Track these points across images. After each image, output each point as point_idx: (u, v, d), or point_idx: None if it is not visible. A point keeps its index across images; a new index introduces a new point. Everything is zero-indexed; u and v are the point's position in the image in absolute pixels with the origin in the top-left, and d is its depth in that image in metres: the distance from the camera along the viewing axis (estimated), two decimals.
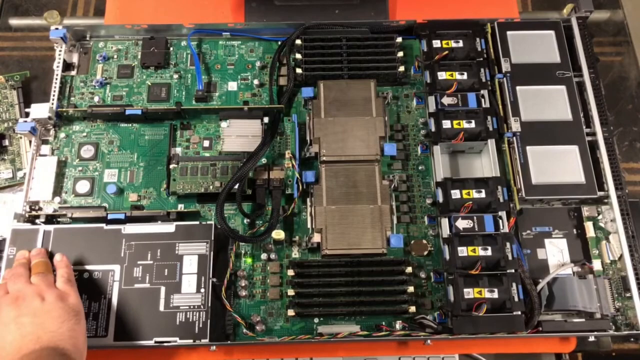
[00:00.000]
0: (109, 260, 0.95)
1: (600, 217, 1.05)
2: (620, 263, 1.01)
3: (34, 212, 1.02)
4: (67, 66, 1.15)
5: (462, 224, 0.98)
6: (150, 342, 0.91)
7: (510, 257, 0.95)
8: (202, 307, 0.92)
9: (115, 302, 0.92)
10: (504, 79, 1.09)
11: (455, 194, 0.99)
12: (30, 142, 1.08)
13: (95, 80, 1.13)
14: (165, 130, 1.10)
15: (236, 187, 1.00)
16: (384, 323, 0.97)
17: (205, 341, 0.91)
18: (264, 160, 1.05)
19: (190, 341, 0.91)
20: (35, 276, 0.87)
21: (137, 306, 0.92)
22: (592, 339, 0.96)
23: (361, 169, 1.02)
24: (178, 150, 1.09)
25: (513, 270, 0.95)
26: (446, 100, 1.06)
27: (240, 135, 1.07)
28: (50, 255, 0.94)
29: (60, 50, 1.14)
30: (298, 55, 1.11)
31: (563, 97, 1.08)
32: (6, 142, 1.10)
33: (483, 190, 0.99)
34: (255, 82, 1.14)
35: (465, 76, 1.07)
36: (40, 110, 1.06)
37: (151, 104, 1.12)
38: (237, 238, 0.99)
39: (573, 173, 1.02)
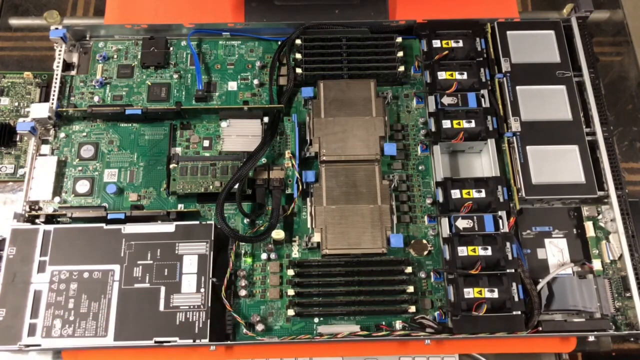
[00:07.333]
0: (109, 260, 0.95)
1: (600, 216, 1.04)
2: (620, 263, 1.01)
3: (34, 212, 1.02)
4: (67, 66, 1.15)
5: (462, 223, 0.98)
6: (150, 342, 0.90)
7: (510, 257, 0.96)
8: (202, 307, 0.92)
9: (115, 302, 0.92)
10: (504, 78, 1.09)
11: (455, 193, 0.99)
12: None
13: (95, 80, 1.13)
14: (165, 130, 1.10)
15: (236, 187, 1.00)
16: (384, 323, 0.97)
17: (205, 341, 0.91)
18: (264, 160, 1.05)
19: (190, 341, 0.91)
20: None
21: (137, 306, 0.92)
22: (592, 339, 0.96)
23: (361, 169, 1.02)
24: (178, 150, 1.09)
25: (513, 270, 0.95)
26: (446, 100, 1.06)
27: (240, 135, 1.07)
28: None
29: (60, 50, 1.14)
30: (298, 55, 1.11)
31: (563, 97, 1.08)
32: (17, 138, 1.10)
33: (483, 190, 0.99)
34: (255, 82, 1.14)
35: (465, 76, 1.07)
36: (40, 110, 1.06)
37: (151, 103, 1.12)
38: (237, 238, 0.99)
39: (573, 173, 1.02)
